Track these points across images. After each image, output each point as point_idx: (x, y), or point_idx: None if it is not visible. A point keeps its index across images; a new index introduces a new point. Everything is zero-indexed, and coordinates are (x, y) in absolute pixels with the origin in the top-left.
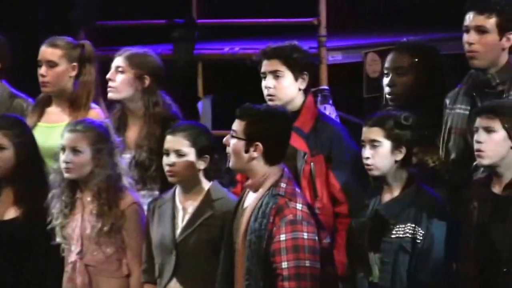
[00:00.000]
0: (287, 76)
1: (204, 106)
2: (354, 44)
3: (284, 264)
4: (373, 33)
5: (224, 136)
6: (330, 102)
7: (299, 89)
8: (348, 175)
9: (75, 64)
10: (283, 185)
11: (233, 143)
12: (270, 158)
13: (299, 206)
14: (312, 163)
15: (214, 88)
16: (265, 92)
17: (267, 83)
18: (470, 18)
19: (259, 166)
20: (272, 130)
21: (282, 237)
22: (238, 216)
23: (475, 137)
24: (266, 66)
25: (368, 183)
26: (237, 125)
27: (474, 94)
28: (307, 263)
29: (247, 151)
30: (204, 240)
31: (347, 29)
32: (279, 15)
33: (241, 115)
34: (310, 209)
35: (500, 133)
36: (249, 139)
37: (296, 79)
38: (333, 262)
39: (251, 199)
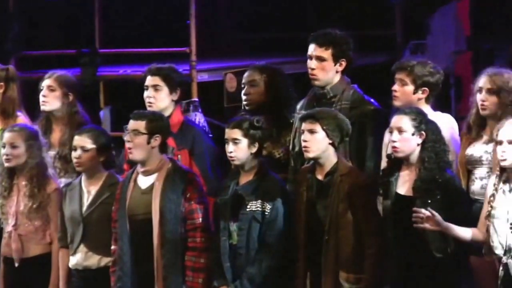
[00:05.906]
0: (164, 89)
1: (104, 114)
2: (216, 67)
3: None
4: (229, 58)
5: (119, 137)
6: (200, 110)
7: (172, 100)
8: (205, 165)
9: (1, 83)
10: None
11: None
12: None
13: None
14: (179, 155)
15: (112, 101)
16: (146, 101)
17: (148, 94)
18: (312, 48)
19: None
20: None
21: None
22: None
23: (302, 137)
24: (149, 81)
25: (227, 170)
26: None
27: (314, 104)
28: None
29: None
30: (103, 215)
31: (211, 56)
32: (161, 45)
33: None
34: None
35: (320, 133)
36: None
37: (171, 92)
38: None
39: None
